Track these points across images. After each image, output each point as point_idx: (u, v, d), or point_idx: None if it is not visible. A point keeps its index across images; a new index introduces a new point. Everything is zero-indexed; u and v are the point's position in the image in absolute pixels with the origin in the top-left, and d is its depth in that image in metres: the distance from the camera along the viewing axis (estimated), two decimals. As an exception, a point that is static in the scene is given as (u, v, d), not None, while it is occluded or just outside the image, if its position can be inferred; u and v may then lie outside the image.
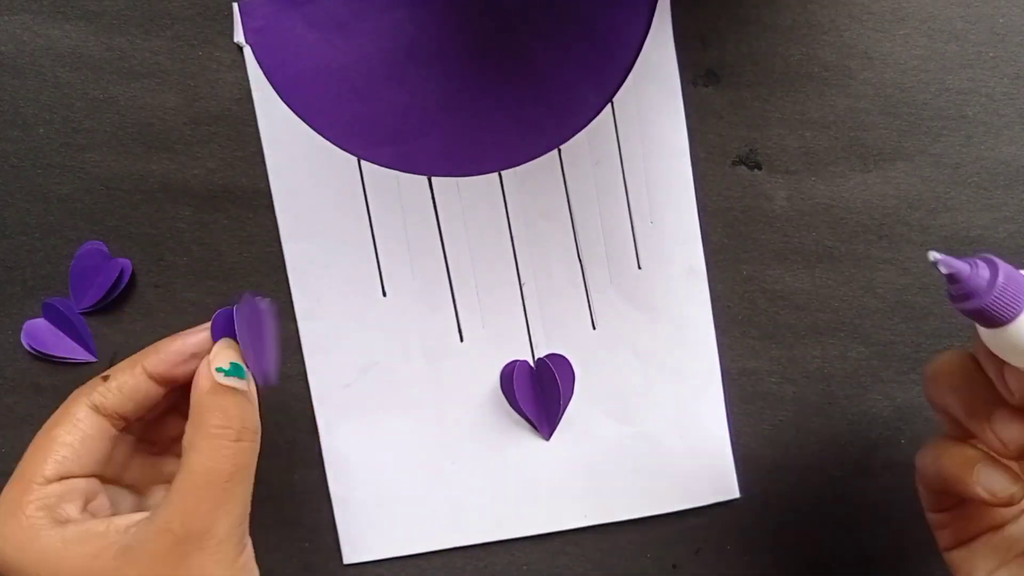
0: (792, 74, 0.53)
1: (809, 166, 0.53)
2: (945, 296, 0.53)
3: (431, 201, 0.53)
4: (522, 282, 0.54)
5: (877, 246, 0.54)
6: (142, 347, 0.47)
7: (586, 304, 0.54)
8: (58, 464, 0.43)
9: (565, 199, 0.53)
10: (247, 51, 0.52)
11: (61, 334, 0.54)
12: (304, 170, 0.53)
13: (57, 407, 0.54)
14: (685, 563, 0.55)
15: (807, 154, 0.53)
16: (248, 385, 0.44)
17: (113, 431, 0.45)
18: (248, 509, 0.44)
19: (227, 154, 0.53)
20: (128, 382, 0.45)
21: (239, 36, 0.52)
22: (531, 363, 0.54)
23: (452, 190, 0.53)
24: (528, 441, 0.54)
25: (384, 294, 0.53)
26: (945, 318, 0.54)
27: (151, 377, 0.45)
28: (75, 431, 0.43)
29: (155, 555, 0.41)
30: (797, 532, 0.55)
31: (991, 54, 0.52)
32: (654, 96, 0.53)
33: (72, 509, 0.42)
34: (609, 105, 0.53)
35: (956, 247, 0.53)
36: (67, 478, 0.43)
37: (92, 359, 0.54)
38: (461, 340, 0.54)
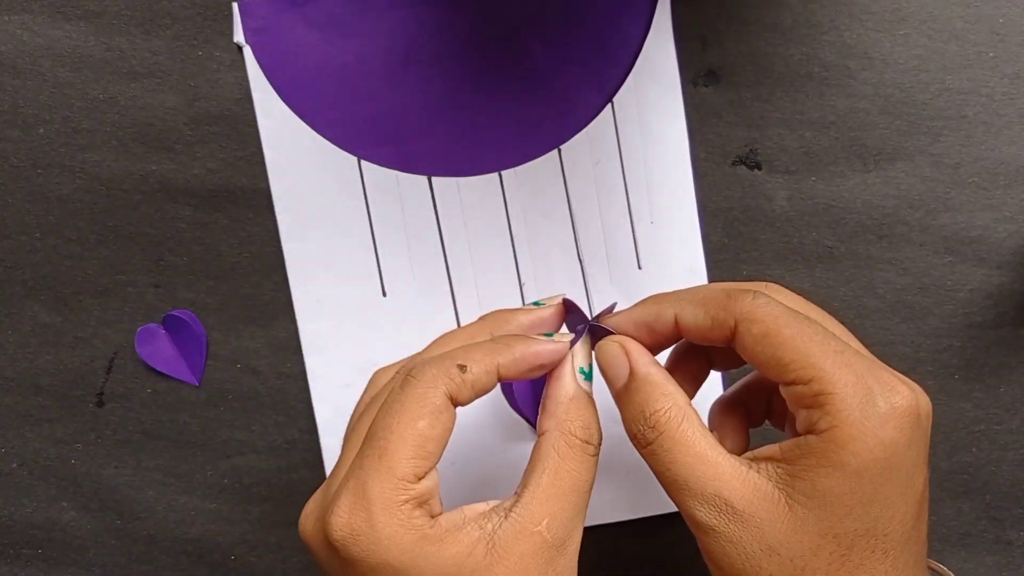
0: (792, 74, 0.53)
1: (809, 166, 0.53)
2: (945, 296, 0.53)
3: (431, 201, 0.53)
4: (522, 282, 0.54)
5: (877, 246, 0.54)
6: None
7: (586, 304, 0.54)
8: (427, 459, 0.39)
9: (565, 199, 0.53)
10: (247, 51, 0.52)
11: (176, 351, 0.54)
12: (304, 170, 0.53)
13: (57, 407, 0.54)
14: (685, 563, 0.55)
15: (807, 154, 0.53)
16: (591, 388, 0.43)
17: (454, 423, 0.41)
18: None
19: (227, 154, 0.53)
20: (482, 379, 0.41)
21: (239, 36, 0.52)
22: (531, 363, 0.54)
23: (452, 190, 0.53)
24: (527, 441, 0.54)
25: (384, 294, 0.53)
26: (945, 318, 0.54)
27: (499, 377, 0.42)
28: (438, 425, 0.39)
29: (523, 556, 0.39)
30: (797, 532, 0.55)
31: (991, 54, 0.52)
32: (654, 96, 0.53)
33: (437, 504, 0.40)
34: (609, 105, 0.53)
35: (956, 247, 0.53)
36: (431, 471, 0.40)
37: (195, 384, 0.54)
38: (461, 340, 0.54)
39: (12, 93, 0.53)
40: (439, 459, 0.40)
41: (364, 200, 0.53)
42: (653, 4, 0.52)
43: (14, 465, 0.55)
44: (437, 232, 0.53)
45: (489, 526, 0.39)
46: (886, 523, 0.38)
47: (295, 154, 0.53)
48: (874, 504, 0.37)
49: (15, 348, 0.54)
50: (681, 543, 0.55)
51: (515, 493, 0.40)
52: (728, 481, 0.38)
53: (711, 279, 0.54)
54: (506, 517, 0.39)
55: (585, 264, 0.54)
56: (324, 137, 0.53)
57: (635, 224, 0.53)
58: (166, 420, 0.55)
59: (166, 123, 0.53)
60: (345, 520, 0.38)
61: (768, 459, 0.39)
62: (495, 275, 0.54)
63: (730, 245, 0.54)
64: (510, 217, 0.53)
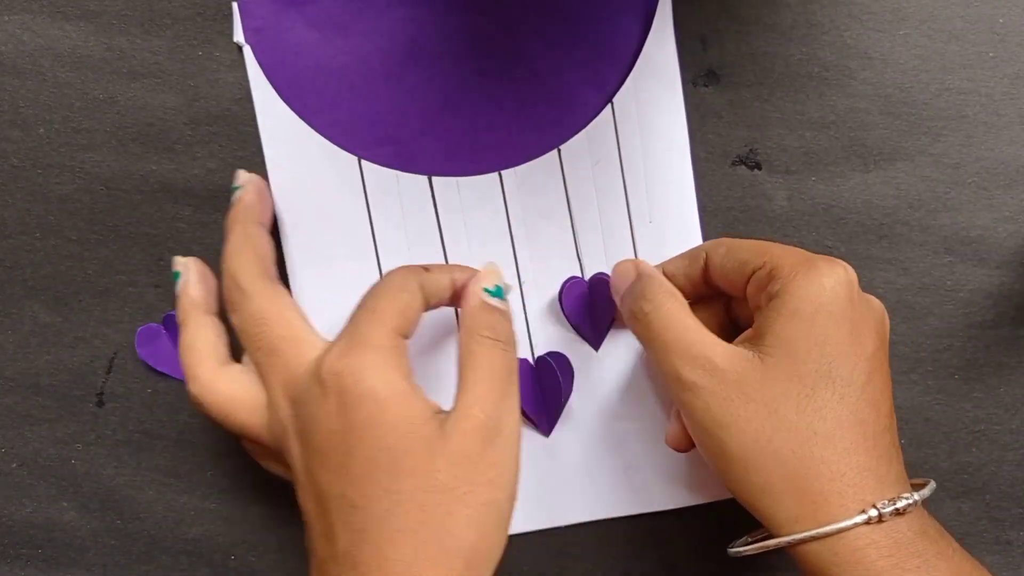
0: (792, 74, 0.53)
1: (809, 166, 0.53)
2: (945, 296, 0.53)
3: (431, 200, 0.53)
4: (522, 281, 0.54)
5: (877, 246, 0.54)
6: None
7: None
8: (410, 324, 0.46)
9: (565, 199, 0.53)
10: (247, 51, 0.52)
11: (176, 351, 0.54)
12: (304, 170, 0.53)
13: (57, 407, 0.54)
14: (685, 563, 0.55)
15: (807, 154, 0.53)
16: (507, 306, 0.48)
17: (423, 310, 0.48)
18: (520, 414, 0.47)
19: (227, 154, 0.53)
20: (442, 281, 0.48)
21: (239, 36, 0.52)
22: (531, 361, 0.54)
23: (452, 189, 0.53)
24: (528, 438, 0.54)
25: (384, 293, 0.53)
26: (945, 318, 0.54)
27: (452, 287, 0.49)
28: (416, 299, 0.46)
29: (465, 435, 0.43)
30: (797, 532, 0.55)
31: (991, 54, 0.52)
32: (654, 96, 0.53)
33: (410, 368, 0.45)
34: (609, 105, 0.53)
35: (956, 247, 0.53)
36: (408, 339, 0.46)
37: None
38: (461, 339, 0.54)
39: (12, 93, 0.53)
40: (413, 332, 0.46)
41: (364, 200, 0.53)
42: (653, 4, 0.52)
43: (14, 465, 0.55)
44: (437, 231, 0.53)
45: (440, 415, 0.44)
46: (840, 366, 0.44)
47: (295, 154, 0.53)
48: (827, 345, 0.44)
49: (15, 348, 0.54)
50: (682, 543, 0.55)
51: None
52: (711, 346, 0.45)
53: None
54: (454, 409, 0.44)
55: (585, 264, 0.54)
56: (324, 137, 0.52)
57: (635, 224, 0.53)
58: (166, 420, 0.55)
59: (166, 123, 0.53)
60: (338, 355, 0.43)
61: (742, 340, 0.46)
62: (495, 274, 0.54)
63: (730, 245, 0.54)
64: (510, 217, 0.53)
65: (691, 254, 0.51)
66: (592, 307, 0.54)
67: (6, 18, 0.53)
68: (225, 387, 0.47)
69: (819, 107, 0.53)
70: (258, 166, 0.53)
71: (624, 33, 0.52)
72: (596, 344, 0.54)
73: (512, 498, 0.45)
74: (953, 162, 0.53)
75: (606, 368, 0.54)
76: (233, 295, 0.47)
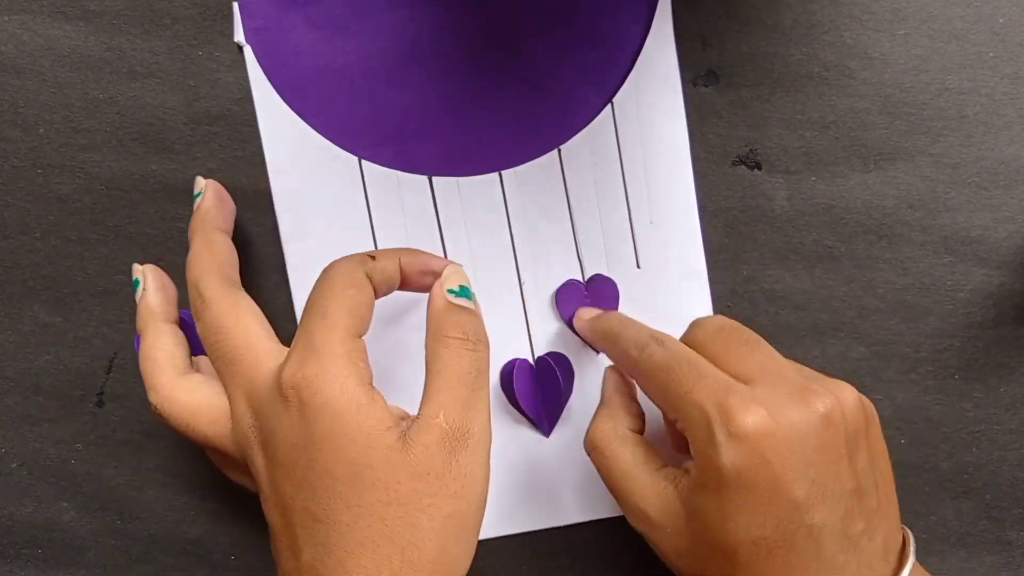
0: (792, 74, 0.53)
1: (809, 166, 0.53)
2: (945, 296, 0.53)
3: (432, 201, 0.53)
4: (522, 281, 0.54)
5: (877, 246, 0.54)
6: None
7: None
8: (361, 322, 0.45)
9: (565, 199, 0.53)
10: (247, 51, 0.52)
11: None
12: (304, 170, 0.53)
13: (57, 407, 0.54)
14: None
15: (807, 154, 0.53)
16: (475, 305, 0.48)
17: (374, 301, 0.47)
18: (490, 416, 0.46)
19: (227, 154, 0.53)
20: (388, 267, 0.48)
21: (239, 36, 0.52)
22: (531, 361, 0.54)
23: (452, 190, 0.53)
24: (528, 438, 0.54)
25: (385, 294, 0.54)
26: (945, 318, 0.54)
27: (400, 271, 0.48)
28: (364, 293, 0.45)
29: (429, 445, 0.43)
30: (797, 532, 0.55)
31: (991, 54, 0.52)
32: (655, 96, 0.53)
33: (369, 370, 0.45)
34: (609, 105, 0.53)
35: (956, 247, 0.53)
36: (361, 337, 0.45)
37: None
38: (461, 338, 0.54)
39: (12, 93, 0.53)
40: (367, 328, 0.45)
41: (365, 200, 0.53)
42: (653, 4, 0.52)
43: (14, 465, 0.55)
44: (437, 232, 0.53)
45: (403, 423, 0.44)
46: (758, 530, 0.42)
47: (296, 154, 0.53)
48: (741, 516, 0.42)
49: (15, 348, 0.54)
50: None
51: None
52: (647, 496, 0.45)
53: (711, 279, 0.54)
54: (418, 417, 0.44)
55: (584, 264, 0.54)
56: (324, 137, 0.52)
57: (635, 224, 0.53)
58: (166, 420, 0.55)
59: (166, 123, 0.53)
60: (296, 367, 0.43)
61: (685, 472, 0.45)
62: (495, 274, 0.54)
63: (730, 245, 0.54)
64: (510, 217, 0.53)
65: (625, 368, 0.50)
66: (541, 389, 0.54)
67: (6, 18, 0.53)
68: (185, 397, 0.47)
69: (819, 107, 0.53)
70: (258, 166, 0.53)
71: (624, 33, 0.52)
72: (548, 430, 0.55)
73: (480, 508, 0.44)
74: (953, 162, 0.53)
75: (606, 368, 0.54)
76: (195, 303, 0.47)
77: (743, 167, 0.53)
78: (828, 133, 0.53)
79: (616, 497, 0.47)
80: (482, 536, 0.54)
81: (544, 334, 0.54)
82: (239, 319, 0.46)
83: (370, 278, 0.46)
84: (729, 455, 0.41)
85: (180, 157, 0.53)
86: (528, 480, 0.55)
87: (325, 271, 0.46)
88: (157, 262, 0.53)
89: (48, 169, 0.53)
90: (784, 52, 0.53)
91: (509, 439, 0.55)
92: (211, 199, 0.50)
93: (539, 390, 0.54)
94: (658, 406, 0.46)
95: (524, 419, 0.54)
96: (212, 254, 0.48)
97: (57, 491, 0.55)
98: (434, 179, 0.53)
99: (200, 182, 0.51)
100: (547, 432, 0.54)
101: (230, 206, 0.52)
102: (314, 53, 0.52)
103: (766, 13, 0.53)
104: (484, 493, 0.45)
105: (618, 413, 0.49)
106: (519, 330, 0.54)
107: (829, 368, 0.54)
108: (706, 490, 0.42)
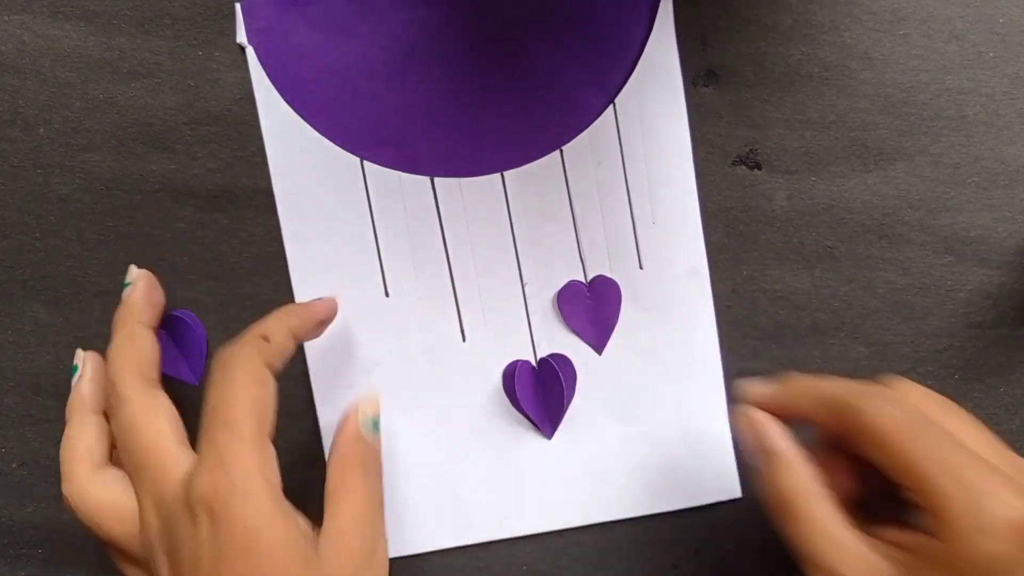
0: (792, 74, 0.53)
1: (809, 166, 0.53)
2: (945, 296, 0.53)
3: (434, 201, 0.53)
4: (524, 282, 0.54)
5: (877, 246, 0.54)
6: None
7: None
8: (268, 424, 0.44)
9: (567, 199, 0.53)
10: (249, 52, 0.52)
11: (176, 351, 0.53)
12: (307, 171, 0.53)
13: (57, 407, 0.54)
14: (685, 563, 0.55)
15: (807, 154, 0.53)
16: (379, 441, 0.48)
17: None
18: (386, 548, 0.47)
19: (227, 154, 0.53)
20: (284, 344, 0.47)
21: (241, 36, 0.52)
22: (533, 363, 0.54)
23: (455, 190, 0.53)
24: (530, 440, 0.54)
25: (387, 295, 0.53)
26: (945, 318, 0.54)
27: (295, 341, 0.48)
28: (267, 390, 0.45)
29: (340, 559, 0.43)
30: (797, 532, 0.55)
31: (991, 54, 0.53)
32: (656, 96, 0.53)
33: (278, 475, 0.44)
34: (611, 105, 0.53)
35: (956, 247, 0.53)
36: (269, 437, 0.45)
37: (195, 383, 0.54)
38: (464, 340, 0.54)
39: (12, 93, 0.53)
40: (274, 424, 0.45)
41: (367, 201, 0.53)
42: (655, 4, 0.52)
43: (14, 465, 0.55)
44: (440, 233, 0.53)
45: (312, 535, 0.44)
46: None
47: (297, 155, 0.53)
48: None
49: (15, 348, 0.54)
50: (682, 543, 0.55)
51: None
52: (849, 562, 0.41)
53: (712, 280, 0.54)
54: (328, 537, 0.44)
55: (587, 264, 0.54)
56: (326, 138, 0.52)
57: (637, 225, 0.53)
58: (166, 420, 0.55)
59: (166, 123, 0.53)
60: (206, 482, 0.42)
61: (893, 543, 0.40)
62: (498, 275, 0.54)
63: (730, 245, 0.54)
64: (512, 217, 0.53)
65: (838, 422, 0.43)
66: (594, 310, 0.54)
67: (6, 18, 0.52)
68: (96, 492, 0.46)
69: (819, 107, 0.53)
70: (258, 166, 0.53)
71: (626, 33, 0.52)
72: (550, 432, 0.55)
73: None
74: (953, 162, 0.53)
75: (609, 370, 0.54)
76: (111, 401, 0.47)
77: (743, 167, 0.53)
78: (828, 133, 0.53)
79: (803, 556, 0.42)
80: (486, 538, 0.54)
81: (546, 335, 0.54)
82: (151, 421, 0.46)
83: (270, 366, 0.46)
84: (990, 543, 0.37)
85: (180, 157, 0.53)
86: (530, 483, 0.55)
87: (222, 363, 0.45)
88: (157, 262, 0.53)
89: (48, 169, 0.53)
90: (784, 52, 0.53)
91: (511, 441, 0.55)
92: (141, 291, 0.50)
93: (541, 392, 0.54)
94: (872, 464, 0.42)
95: (526, 421, 0.54)
96: (134, 349, 0.48)
97: (57, 491, 0.55)
98: (436, 180, 0.53)
99: (132, 272, 0.51)
100: (549, 435, 0.54)
101: (159, 298, 0.51)
102: (316, 54, 0.52)
103: (766, 13, 0.53)
104: None
105: (806, 466, 0.44)
106: (521, 331, 0.54)
107: (829, 368, 0.54)
108: (946, 573, 0.39)
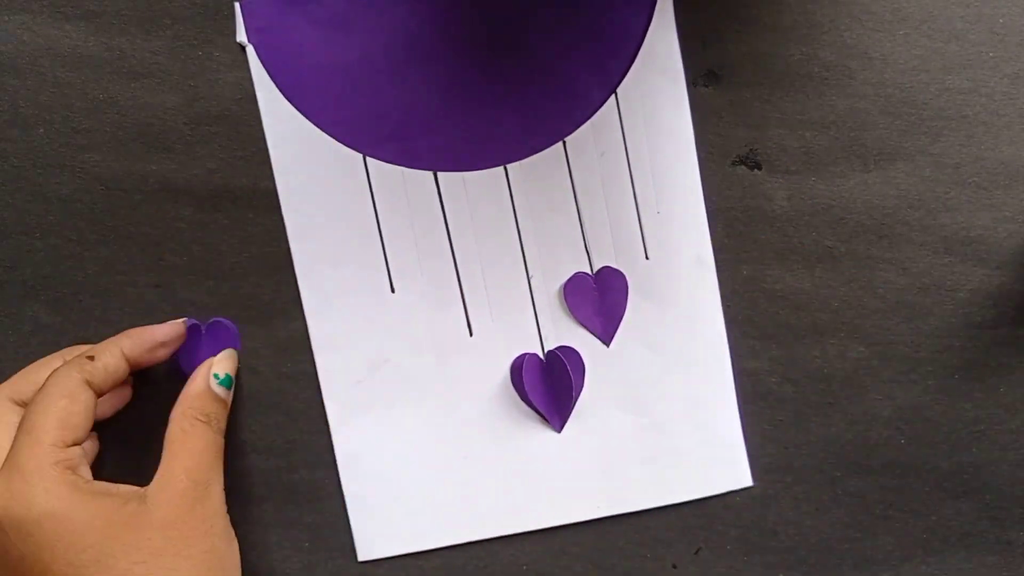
0: (792, 74, 0.53)
1: (809, 166, 0.53)
2: (945, 296, 0.53)
3: (437, 196, 0.53)
4: (530, 275, 0.54)
5: (877, 246, 0.54)
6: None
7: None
8: (72, 431, 0.46)
9: (571, 191, 0.53)
10: (250, 50, 0.52)
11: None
12: (310, 168, 0.53)
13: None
14: (685, 563, 0.55)
15: (807, 154, 0.53)
16: (229, 396, 0.52)
17: (95, 402, 0.49)
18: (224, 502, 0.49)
19: (227, 154, 0.53)
20: (111, 363, 0.49)
21: (241, 36, 0.52)
22: (541, 356, 0.54)
23: (458, 185, 0.53)
24: (539, 434, 0.54)
25: (392, 291, 0.53)
26: (945, 318, 0.54)
27: (127, 359, 0.50)
28: (78, 402, 0.47)
29: (171, 500, 0.46)
30: (797, 532, 0.55)
31: (991, 54, 0.53)
32: (658, 86, 0.53)
33: (87, 472, 0.47)
34: (613, 96, 0.53)
35: (956, 247, 0.54)
36: (77, 444, 0.47)
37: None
38: (470, 334, 0.54)
39: (12, 93, 0.53)
40: (86, 433, 0.48)
41: (370, 197, 0.53)
42: (654, -3, 0.53)
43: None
44: (444, 227, 0.53)
45: (141, 489, 0.46)
46: None
47: (300, 153, 0.53)
48: None
49: (15, 348, 0.54)
50: (682, 543, 0.55)
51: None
52: None
53: (717, 271, 0.54)
54: (160, 476, 0.47)
55: (593, 255, 0.54)
56: (329, 135, 0.53)
57: (642, 215, 0.53)
58: (166, 420, 0.54)
59: (166, 123, 0.53)
60: (3, 488, 0.45)
61: None
62: (503, 269, 0.54)
63: (730, 245, 0.54)
64: (516, 210, 0.53)
65: None
66: (601, 302, 0.54)
67: (6, 18, 0.52)
68: None
69: (819, 107, 0.53)
70: (258, 166, 0.53)
71: (627, 24, 0.53)
72: (559, 425, 0.55)
73: (232, 542, 0.49)
74: (953, 162, 0.53)
75: (617, 362, 0.54)
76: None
77: (743, 167, 0.54)
78: (828, 133, 0.53)
79: None
80: (496, 533, 0.54)
81: (554, 328, 0.54)
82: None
83: (90, 382, 0.48)
84: None
85: (180, 157, 0.53)
86: (540, 476, 0.54)
87: (44, 383, 0.48)
88: (157, 262, 0.53)
89: (48, 169, 0.53)
90: (784, 52, 0.53)
91: (519, 435, 0.54)
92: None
93: (549, 385, 0.54)
94: None
95: (535, 414, 0.54)
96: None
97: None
98: (439, 175, 0.53)
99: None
100: (559, 428, 0.54)
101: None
102: (316, 51, 0.52)
103: (766, 13, 0.53)
104: (232, 533, 0.49)
105: None
106: (528, 324, 0.54)
107: (829, 368, 0.54)
108: None
